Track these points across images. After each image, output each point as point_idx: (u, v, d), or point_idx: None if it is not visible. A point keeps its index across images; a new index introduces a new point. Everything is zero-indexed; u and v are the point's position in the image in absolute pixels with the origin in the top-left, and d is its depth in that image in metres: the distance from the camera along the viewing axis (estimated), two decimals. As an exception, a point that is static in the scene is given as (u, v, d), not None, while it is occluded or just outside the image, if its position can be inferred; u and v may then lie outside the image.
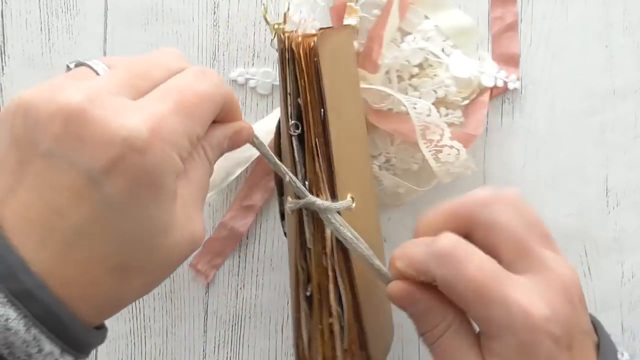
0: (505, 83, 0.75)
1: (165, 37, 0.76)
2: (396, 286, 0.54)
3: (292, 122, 0.59)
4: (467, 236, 0.52)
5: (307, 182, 0.60)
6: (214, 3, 0.76)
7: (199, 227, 0.50)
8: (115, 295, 0.47)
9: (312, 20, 0.65)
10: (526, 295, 0.49)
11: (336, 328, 0.62)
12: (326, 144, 0.59)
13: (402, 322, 0.75)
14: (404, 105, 0.70)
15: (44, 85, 0.45)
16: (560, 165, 0.75)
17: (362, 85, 0.71)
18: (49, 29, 0.76)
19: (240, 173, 0.74)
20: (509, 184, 0.75)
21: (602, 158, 0.75)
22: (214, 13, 0.76)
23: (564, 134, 0.75)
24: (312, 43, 0.58)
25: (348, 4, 0.71)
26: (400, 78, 0.74)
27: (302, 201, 0.59)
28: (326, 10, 0.72)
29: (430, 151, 0.70)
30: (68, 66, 0.50)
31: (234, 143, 0.54)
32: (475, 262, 0.50)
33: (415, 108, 0.69)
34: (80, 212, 0.43)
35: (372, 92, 0.72)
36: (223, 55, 0.76)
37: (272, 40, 0.64)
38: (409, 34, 0.74)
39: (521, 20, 0.75)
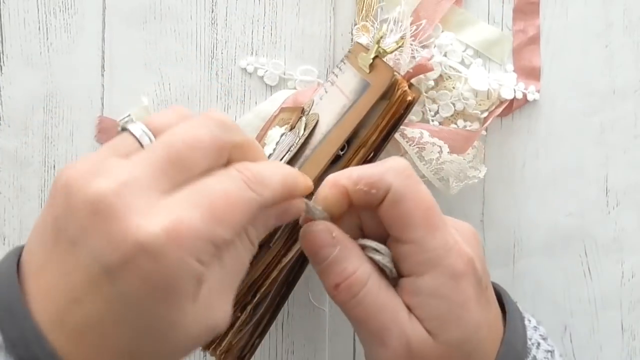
0: (525, 95, 0.74)
1: (164, 35, 0.76)
2: (320, 224, 0.52)
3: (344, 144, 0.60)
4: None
5: None
6: (212, 1, 0.76)
7: (220, 315, 0.48)
8: None
9: (405, 62, 0.66)
10: (456, 235, 0.52)
11: (237, 323, 0.61)
12: None
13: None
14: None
15: (87, 160, 0.45)
16: (560, 165, 0.75)
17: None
18: (47, 28, 0.76)
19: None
20: (509, 183, 0.75)
21: (602, 158, 0.75)
22: (212, 11, 0.76)
23: (564, 134, 0.75)
24: (410, 98, 0.60)
25: (357, 26, 0.73)
26: None
27: None
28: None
29: (413, 150, 0.70)
30: (119, 124, 0.49)
31: (282, 220, 0.53)
32: (424, 186, 0.52)
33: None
34: (94, 303, 0.43)
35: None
36: (221, 53, 0.76)
37: (370, 60, 0.63)
38: (426, 46, 0.74)
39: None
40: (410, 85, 0.61)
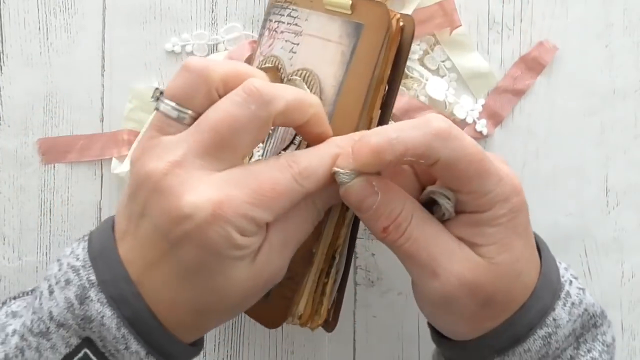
0: (475, 122, 0.75)
1: (164, 35, 0.76)
2: (358, 180, 0.52)
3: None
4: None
5: None
6: (212, 1, 0.76)
7: (275, 271, 0.54)
8: (195, 327, 0.54)
9: None
10: (509, 171, 0.55)
11: (327, 290, 0.62)
12: (383, 118, 0.61)
13: (401, 320, 0.75)
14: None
15: (143, 141, 0.53)
16: (560, 165, 0.75)
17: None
18: (47, 28, 0.76)
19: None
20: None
21: (602, 158, 0.75)
22: (212, 11, 0.76)
23: (564, 133, 0.75)
24: (401, 23, 0.60)
25: None
26: None
27: None
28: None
29: None
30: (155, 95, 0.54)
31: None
32: (468, 139, 0.52)
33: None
34: (163, 268, 0.51)
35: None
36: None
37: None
38: None
39: (521, 20, 0.75)
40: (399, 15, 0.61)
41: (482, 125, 0.75)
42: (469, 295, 0.53)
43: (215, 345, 0.78)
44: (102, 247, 0.52)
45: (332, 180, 0.53)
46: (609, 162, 0.75)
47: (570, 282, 0.58)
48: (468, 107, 0.75)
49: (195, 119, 0.52)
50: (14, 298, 0.60)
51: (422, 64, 0.75)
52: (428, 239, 0.53)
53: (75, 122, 0.76)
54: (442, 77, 0.75)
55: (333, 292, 0.63)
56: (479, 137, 0.75)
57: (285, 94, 0.52)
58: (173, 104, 0.52)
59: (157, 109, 0.53)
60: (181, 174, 0.49)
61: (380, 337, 0.76)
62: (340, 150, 0.53)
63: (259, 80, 0.51)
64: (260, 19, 0.76)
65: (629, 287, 0.76)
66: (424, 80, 0.74)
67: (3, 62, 0.76)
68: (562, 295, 0.56)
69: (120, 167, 0.75)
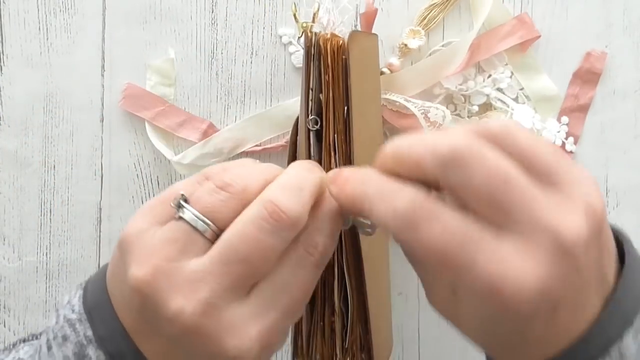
0: (564, 143, 0.74)
1: (164, 35, 0.76)
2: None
3: (312, 117, 0.59)
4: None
5: None
6: (212, 1, 0.76)
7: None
8: None
9: (340, 23, 0.65)
10: (502, 263, 0.41)
11: (337, 326, 0.61)
12: (347, 140, 0.59)
13: (402, 323, 0.75)
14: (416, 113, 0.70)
15: (153, 260, 0.47)
16: (560, 165, 0.75)
17: (384, 95, 0.72)
18: (47, 29, 0.76)
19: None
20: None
21: (602, 158, 0.75)
22: (212, 11, 0.76)
23: (564, 134, 0.75)
24: (341, 41, 0.59)
25: (412, 28, 0.73)
26: (458, 115, 0.74)
27: None
28: (353, 15, 0.73)
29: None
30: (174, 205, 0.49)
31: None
32: (492, 162, 0.41)
33: (428, 115, 0.69)
34: None
35: (389, 100, 0.73)
36: (221, 53, 0.76)
37: (299, 37, 0.64)
38: (484, 72, 0.75)
39: (521, 19, 0.75)
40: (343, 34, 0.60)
41: (570, 144, 0.75)
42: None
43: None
44: (97, 300, 0.50)
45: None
46: (609, 162, 0.75)
47: None
48: (554, 129, 0.74)
49: (216, 233, 0.48)
50: (24, 341, 0.58)
51: (502, 93, 0.75)
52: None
53: (75, 122, 0.76)
54: (521, 104, 0.75)
55: (347, 327, 0.61)
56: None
57: (307, 199, 0.48)
58: (198, 214, 0.48)
59: (180, 216, 0.48)
60: (215, 314, 0.45)
61: (380, 337, 0.76)
62: (334, 206, 0.50)
63: (281, 196, 0.47)
64: (260, 19, 0.76)
65: (629, 287, 0.75)
66: (509, 110, 0.74)
67: (3, 62, 0.76)
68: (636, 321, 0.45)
69: (178, 157, 0.75)
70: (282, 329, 0.48)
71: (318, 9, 0.63)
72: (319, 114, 0.59)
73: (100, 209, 0.77)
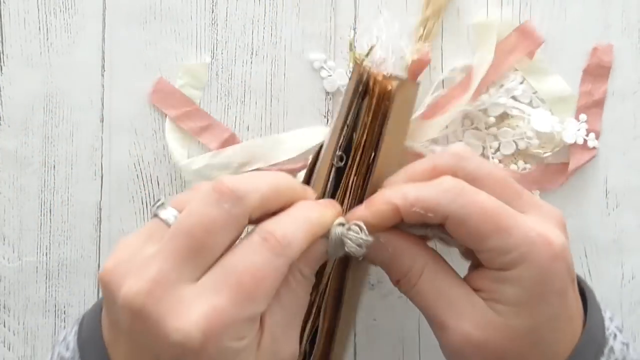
0: (585, 141, 0.74)
1: (164, 35, 0.76)
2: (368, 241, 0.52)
3: (339, 153, 0.59)
4: None
5: None
6: (212, 1, 0.76)
7: (288, 351, 0.51)
8: None
9: (392, 62, 0.64)
10: (538, 224, 0.50)
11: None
12: (364, 186, 0.59)
13: (402, 323, 0.75)
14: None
15: (118, 254, 0.50)
16: (559, 167, 0.75)
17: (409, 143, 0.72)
18: (47, 29, 0.76)
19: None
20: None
21: (601, 159, 0.75)
22: (212, 11, 0.76)
23: (564, 135, 0.75)
24: (390, 87, 0.58)
25: (416, 46, 0.72)
26: (475, 128, 0.74)
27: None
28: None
29: None
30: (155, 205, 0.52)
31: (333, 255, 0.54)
32: (484, 194, 0.51)
33: None
34: None
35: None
36: (221, 53, 0.76)
37: (349, 68, 0.63)
38: (495, 83, 0.75)
39: (520, 21, 0.75)
40: (392, 77, 0.60)
41: (592, 140, 0.74)
42: (476, 354, 0.51)
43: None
44: (90, 333, 0.51)
45: (314, 238, 0.51)
46: (608, 164, 0.75)
47: (615, 335, 0.55)
48: (574, 128, 0.74)
49: None
50: None
51: (517, 100, 0.74)
52: (439, 293, 0.52)
53: (75, 123, 0.76)
54: (536, 108, 0.74)
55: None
56: (593, 152, 0.75)
57: (260, 186, 0.50)
58: (169, 207, 0.51)
59: (155, 215, 0.51)
60: (160, 294, 0.46)
61: (380, 340, 0.76)
62: (312, 210, 0.52)
63: (230, 177, 0.49)
64: (260, 19, 0.76)
65: (629, 288, 0.75)
66: (526, 116, 0.73)
67: (3, 62, 0.76)
68: (606, 351, 0.53)
69: (187, 162, 0.75)
70: (232, 318, 0.46)
71: (376, 43, 0.62)
72: (347, 151, 0.59)
73: (100, 209, 0.77)
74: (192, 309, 0.45)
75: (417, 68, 0.69)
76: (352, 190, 0.58)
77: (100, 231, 0.77)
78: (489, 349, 0.51)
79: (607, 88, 0.75)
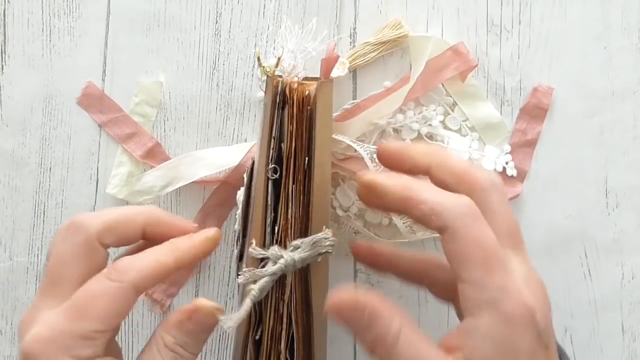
0: (504, 168, 0.75)
1: (166, 44, 0.77)
2: (337, 298, 0.51)
3: (272, 166, 0.60)
4: None
5: (276, 227, 0.59)
6: (217, 12, 0.77)
7: None
8: None
9: (302, 69, 0.65)
10: (522, 282, 0.50)
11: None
12: (305, 191, 0.60)
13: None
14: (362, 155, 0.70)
15: None
16: (559, 167, 0.75)
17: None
18: (50, 30, 0.77)
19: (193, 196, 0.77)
20: (508, 185, 0.74)
21: (601, 159, 0.75)
22: (216, 22, 0.77)
23: (563, 135, 0.75)
24: (308, 92, 0.60)
25: (342, 60, 0.74)
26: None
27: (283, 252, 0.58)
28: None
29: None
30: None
31: (197, 322, 0.56)
32: (488, 229, 0.50)
33: (374, 156, 0.69)
34: None
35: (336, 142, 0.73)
36: (223, 64, 0.77)
37: (261, 81, 0.64)
38: (422, 106, 0.76)
39: (520, 22, 0.76)
40: (307, 81, 0.62)
41: (511, 169, 0.75)
42: None
43: (202, 356, 0.76)
44: None
45: (189, 314, 0.55)
46: (608, 164, 0.75)
47: None
48: (494, 156, 0.74)
49: None
50: None
51: (445, 127, 0.75)
52: (417, 353, 0.50)
53: (73, 126, 0.76)
54: (465, 136, 0.75)
55: None
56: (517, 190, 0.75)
57: (103, 213, 0.56)
58: None
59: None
60: (29, 320, 0.52)
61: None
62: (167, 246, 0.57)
63: (82, 213, 0.56)
64: (263, 32, 0.77)
65: (629, 288, 0.75)
66: (445, 144, 0.74)
67: (5, 61, 0.77)
68: None
69: (113, 191, 0.77)
70: (62, 330, 0.51)
71: (282, 54, 0.63)
72: (278, 162, 0.60)
73: (95, 211, 0.76)
74: (37, 324, 0.52)
75: (328, 65, 0.69)
76: (294, 199, 0.59)
77: (93, 236, 0.76)
78: None
79: (542, 129, 0.75)
